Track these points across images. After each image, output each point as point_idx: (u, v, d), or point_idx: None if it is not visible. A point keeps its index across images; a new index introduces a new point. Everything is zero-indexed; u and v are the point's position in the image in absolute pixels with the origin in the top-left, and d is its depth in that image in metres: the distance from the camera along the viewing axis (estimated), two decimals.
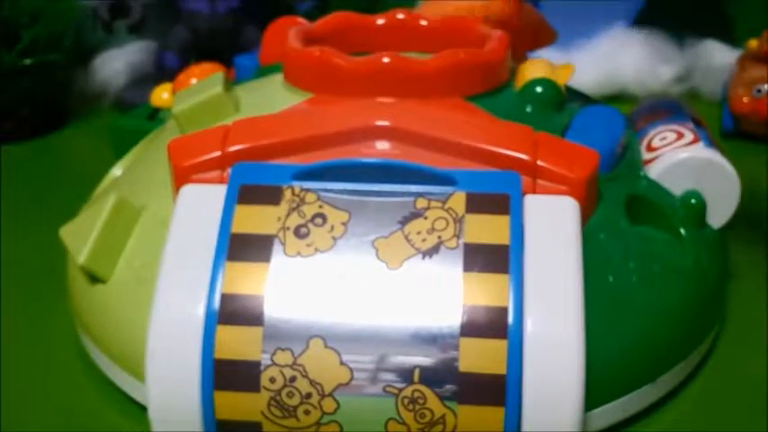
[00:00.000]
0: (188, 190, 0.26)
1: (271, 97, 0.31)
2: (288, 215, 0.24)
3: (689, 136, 0.31)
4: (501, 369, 0.22)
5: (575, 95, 0.33)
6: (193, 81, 0.35)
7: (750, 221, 0.37)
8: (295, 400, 0.23)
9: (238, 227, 0.24)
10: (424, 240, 0.24)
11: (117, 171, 0.35)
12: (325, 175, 0.25)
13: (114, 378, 0.28)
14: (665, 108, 0.34)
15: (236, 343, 0.23)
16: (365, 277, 0.23)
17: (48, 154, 0.51)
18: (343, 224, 0.24)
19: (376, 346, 0.23)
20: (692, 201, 0.29)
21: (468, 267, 0.23)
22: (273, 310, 0.23)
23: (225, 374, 0.23)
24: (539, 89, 0.30)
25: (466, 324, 0.23)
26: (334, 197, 0.25)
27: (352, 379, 0.23)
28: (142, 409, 0.26)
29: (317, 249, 0.24)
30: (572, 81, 0.32)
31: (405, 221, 0.24)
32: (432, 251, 0.24)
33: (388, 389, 0.23)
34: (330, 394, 0.23)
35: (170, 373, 0.23)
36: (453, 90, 0.29)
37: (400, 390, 0.23)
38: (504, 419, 0.22)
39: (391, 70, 0.28)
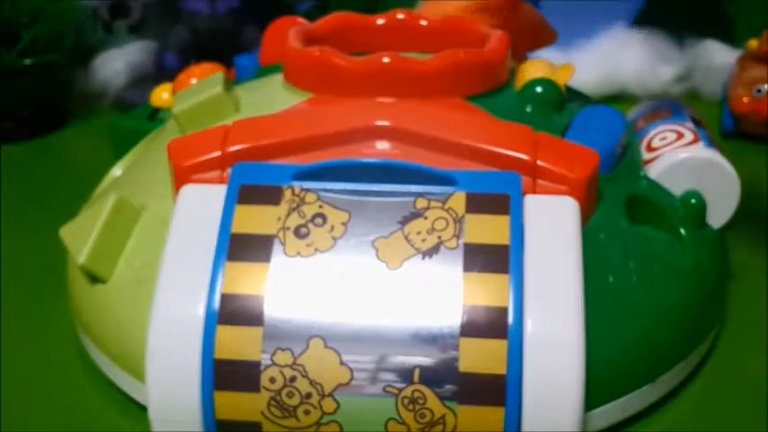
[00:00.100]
0: (188, 190, 0.26)
1: (271, 97, 0.31)
2: (288, 215, 0.24)
3: (689, 136, 0.31)
4: (501, 369, 0.22)
5: (575, 95, 0.33)
6: (193, 81, 0.35)
7: (750, 221, 0.37)
8: (295, 400, 0.23)
9: (238, 227, 0.24)
10: (424, 240, 0.24)
11: (117, 171, 0.35)
12: (325, 175, 0.25)
13: (114, 378, 0.28)
14: (665, 108, 0.34)
15: (236, 343, 0.23)
16: (365, 277, 0.23)
17: (48, 154, 0.51)
18: (344, 224, 0.24)
19: (376, 346, 0.23)
20: (692, 201, 0.29)
21: (468, 267, 0.23)
22: (273, 310, 0.23)
23: (225, 374, 0.23)
24: (539, 89, 0.30)
25: (466, 324, 0.23)
26: (334, 197, 0.25)
27: (352, 379, 0.23)
28: (142, 409, 0.26)
29: (317, 249, 0.24)
30: (572, 81, 0.32)
31: (405, 221, 0.24)
32: (432, 251, 0.24)
33: (388, 389, 0.23)
34: (330, 394, 0.23)
35: (170, 373, 0.23)
36: (453, 90, 0.29)
37: (400, 390, 0.23)
38: (504, 419, 0.22)
39: (391, 70, 0.28)
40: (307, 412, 0.23)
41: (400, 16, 0.35)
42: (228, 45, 0.53)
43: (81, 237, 0.27)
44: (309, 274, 0.24)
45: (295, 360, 0.23)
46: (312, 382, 0.23)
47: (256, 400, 0.23)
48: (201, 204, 0.25)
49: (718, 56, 0.56)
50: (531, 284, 0.23)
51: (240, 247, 0.24)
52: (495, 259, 0.23)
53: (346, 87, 0.29)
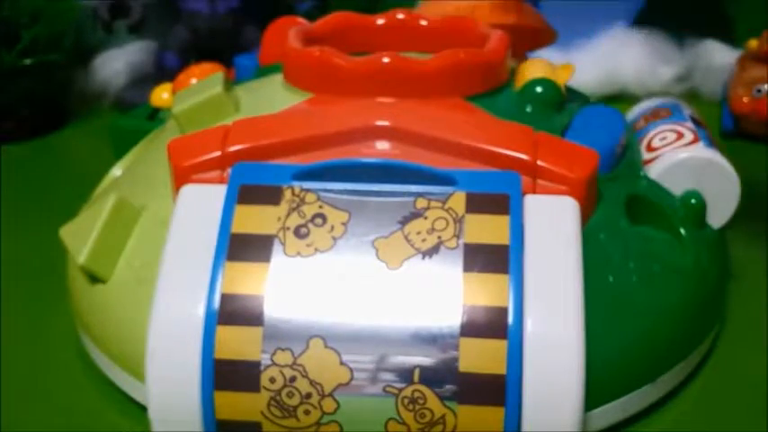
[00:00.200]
0: (188, 190, 0.26)
1: (271, 97, 0.31)
2: (288, 215, 0.24)
3: (689, 136, 0.31)
4: (501, 369, 0.22)
5: (575, 95, 0.33)
6: (193, 81, 0.35)
7: (750, 221, 0.37)
8: (295, 400, 0.23)
9: (238, 227, 0.24)
10: (423, 240, 0.24)
11: (117, 171, 0.35)
12: (325, 175, 0.25)
13: (114, 378, 0.28)
14: (665, 108, 0.34)
15: (236, 343, 0.23)
16: (365, 277, 0.23)
17: (48, 154, 0.51)
18: (343, 224, 0.24)
19: (376, 346, 0.23)
20: (692, 201, 0.29)
21: (468, 267, 0.23)
22: (273, 310, 0.23)
23: (225, 374, 0.23)
24: (539, 89, 0.30)
25: (466, 324, 0.23)
26: (334, 197, 0.25)
27: (352, 379, 0.23)
28: (142, 409, 0.26)
29: (317, 249, 0.24)
30: (572, 81, 0.32)
31: (405, 221, 0.24)
32: (432, 251, 0.24)
33: (388, 389, 0.23)
34: (330, 394, 0.23)
35: (170, 373, 0.23)
36: (453, 90, 0.29)
37: (400, 390, 0.23)
38: (504, 419, 0.22)
39: (391, 70, 0.28)
40: (307, 412, 0.23)
41: (400, 16, 0.35)
42: (228, 45, 0.53)
43: (81, 237, 0.27)
44: (309, 274, 0.24)
45: (295, 360, 0.23)
46: (312, 382, 0.23)
47: (256, 400, 0.23)
48: (201, 204, 0.25)
49: (719, 56, 0.56)
50: (531, 284, 0.23)
51: (240, 247, 0.24)
52: (495, 259, 0.23)
53: (346, 87, 0.29)
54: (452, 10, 0.39)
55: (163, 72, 0.54)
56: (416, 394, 0.23)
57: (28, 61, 0.50)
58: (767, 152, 0.48)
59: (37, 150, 0.51)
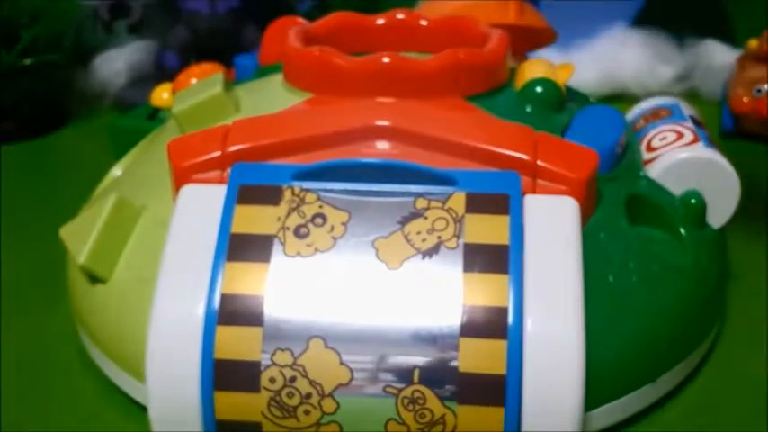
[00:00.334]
0: (188, 190, 0.26)
1: (271, 97, 0.31)
2: (288, 215, 0.24)
3: (689, 136, 0.31)
4: (501, 369, 0.22)
5: (575, 95, 0.33)
6: (193, 81, 0.35)
7: (750, 222, 0.37)
8: (295, 401, 0.23)
9: (238, 227, 0.24)
10: (423, 240, 0.24)
11: (117, 171, 0.35)
12: (324, 175, 0.25)
13: (114, 378, 0.28)
14: (665, 108, 0.34)
15: (236, 343, 0.23)
16: (365, 277, 0.23)
17: (48, 154, 0.51)
18: (343, 224, 0.24)
19: (376, 346, 0.23)
20: (692, 201, 0.29)
21: (467, 267, 0.23)
22: (273, 310, 0.23)
23: (225, 374, 0.23)
24: (539, 89, 0.30)
25: (466, 324, 0.23)
26: (334, 197, 0.25)
27: (352, 379, 0.23)
28: (142, 409, 0.26)
29: (316, 249, 0.24)
30: (572, 81, 0.32)
31: (405, 221, 0.24)
32: (431, 251, 0.24)
33: (387, 389, 0.23)
34: (330, 394, 0.23)
35: (170, 373, 0.23)
36: (453, 90, 0.29)
37: (400, 390, 0.23)
38: (504, 419, 0.22)
39: (391, 70, 0.28)
40: (307, 412, 0.23)
41: (400, 16, 0.35)
42: (228, 45, 0.53)
43: (81, 237, 0.27)
44: (309, 274, 0.24)
45: (295, 360, 0.23)
46: (312, 383, 0.23)
47: (256, 401, 0.23)
48: (201, 204, 0.25)
49: (719, 56, 0.56)
50: (531, 284, 0.23)
51: (240, 248, 0.24)
52: (494, 259, 0.23)
53: (346, 87, 0.29)
54: (452, 10, 0.39)
55: (163, 72, 0.54)
56: (416, 394, 0.23)
57: (28, 61, 0.50)
58: (767, 152, 0.48)
59: (37, 150, 0.51)
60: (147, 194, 0.29)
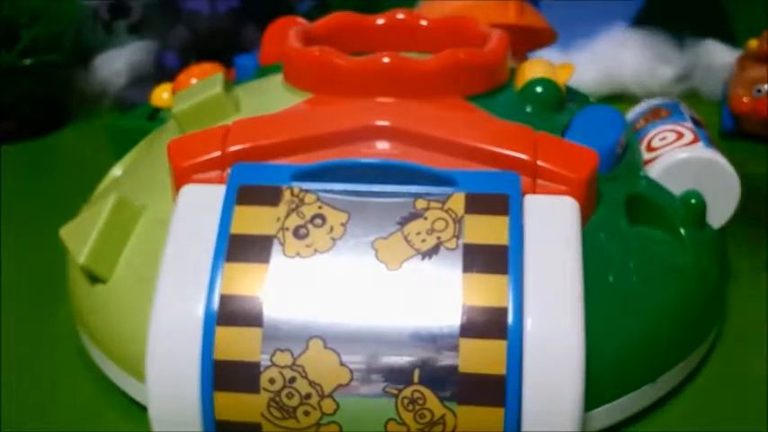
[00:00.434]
0: (188, 190, 0.26)
1: (271, 97, 0.31)
2: (287, 216, 0.24)
3: (689, 136, 0.31)
4: (501, 369, 0.22)
5: (575, 95, 0.33)
6: (193, 81, 0.35)
7: (750, 221, 0.37)
8: (295, 401, 0.23)
9: (237, 227, 0.24)
10: (423, 241, 0.24)
11: (117, 171, 0.35)
12: (324, 175, 0.25)
13: (114, 378, 0.28)
14: (665, 108, 0.34)
15: (236, 344, 0.23)
16: (365, 278, 0.23)
17: (48, 154, 0.51)
18: (343, 225, 0.24)
19: (376, 346, 0.23)
20: (692, 201, 0.29)
21: (467, 268, 0.23)
22: (273, 310, 0.23)
23: (224, 375, 0.23)
24: (539, 89, 0.30)
25: (465, 324, 0.23)
26: (333, 198, 0.25)
27: (351, 379, 0.23)
28: (142, 409, 0.26)
29: (316, 250, 0.24)
30: (572, 81, 0.32)
31: (404, 222, 0.24)
32: (431, 252, 0.24)
33: (387, 389, 0.23)
34: (330, 395, 0.23)
35: (170, 374, 0.23)
36: (453, 90, 0.29)
37: (400, 390, 0.23)
38: (503, 420, 0.22)
39: (391, 70, 0.28)
40: (306, 413, 0.23)
41: (400, 16, 0.35)
42: (228, 45, 0.53)
43: (81, 237, 0.27)
44: (309, 274, 0.24)
45: (294, 361, 0.23)
46: (312, 383, 0.23)
47: (256, 401, 0.23)
48: (201, 205, 0.25)
49: (719, 56, 0.55)
50: (531, 285, 0.23)
51: (239, 248, 0.24)
52: (494, 260, 0.23)
53: (346, 87, 0.29)
54: (452, 10, 0.39)
55: (163, 72, 0.54)
56: (416, 395, 0.23)
57: (28, 61, 0.50)
58: (767, 152, 0.48)
59: (37, 150, 0.51)
60: (147, 194, 0.29)
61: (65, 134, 0.54)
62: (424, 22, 0.35)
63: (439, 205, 0.24)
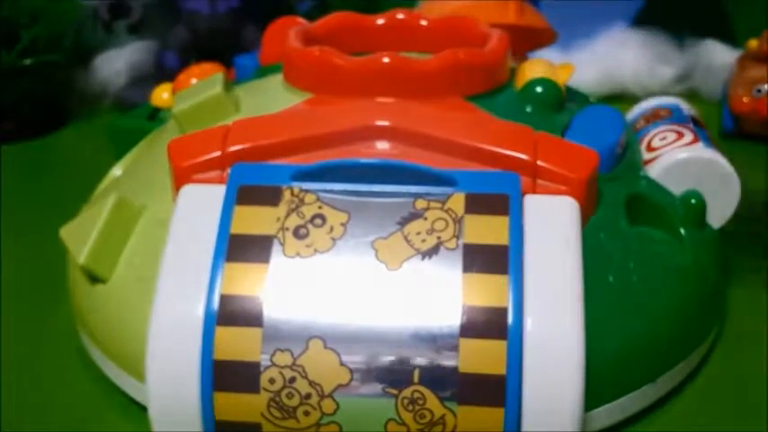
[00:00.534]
0: (188, 190, 0.26)
1: (271, 97, 0.31)
2: (287, 216, 0.24)
3: (689, 136, 0.31)
4: (501, 369, 0.22)
5: (575, 95, 0.33)
6: (193, 81, 0.35)
7: (750, 221, 0.37)
8: (295, 401, 0.23)
9: (237, 228, 0.24)
10: (423, 241, 0.24)
11: (117, 171, 0.35)
12: (324, 175, 0.25)
13: (114, 378, 0.28)
14: (665, 108, 0.34)
15: (236, 344, 0.23)
16: (365, 278, 0.23)
17: (48, 154, 0.51)
18: (343, 225, 0.24)
19: (375, 346, 0.23)
20: (692, 201, 0.29)
21: (467, 268, 0.23)
22: (273, 310, 0.23)
23: (224, 375, 0.23)
24: (539, 89, 0.30)
25: (465, 325, 0.23)
26: (333, 198, 0.25)
27: (351, 380, 0.23)
28: (142, 409, 0.26)
29: (316, 250, 0.24)
30: (572, 81, 0.32)
31: (404, 222, 0.24)
32: (431, 252, 0.24)
33: (387, 389, 0.23)
34: (330, 395, 0.23)
35: (170, 374, 0.23)
36: (453, 90, 0.29)
37: (400, 390, 0.23)
38: (503, 420, 0.22)
39: (391, 70, 0.28)
40: (306, 413, 0.23)
41: (400, 16, 0.35)
42: (228, 45, 0.53)
43: (81, 237, 0.27)
44: (309, 274, 0.24)
45: (294, 361, 0.23)
46: (312, 383, 0.23)
47: (256, 401, 0.23)
48: (201, 205, 0.25)
49: (719, 56, 0.55)
50: (531, 285, 0.23)
51: (239, 248, 0.24)
52: (494, 260, 0.23)
53: (346, 87, 0.29)
54: (452, 10, 0.39)
55: (163, 72, 0.54)
56: (416, 395, 0.23)
57: (28, 61, 0.50)
58: (767, 152, 0.48)
59: (37, 150, 0.51)
60: (147, 194, 0.29)
61: (65, 134, 0.54)
62: (423, 22, 0.35)
63: (439, 205, 0.24)
